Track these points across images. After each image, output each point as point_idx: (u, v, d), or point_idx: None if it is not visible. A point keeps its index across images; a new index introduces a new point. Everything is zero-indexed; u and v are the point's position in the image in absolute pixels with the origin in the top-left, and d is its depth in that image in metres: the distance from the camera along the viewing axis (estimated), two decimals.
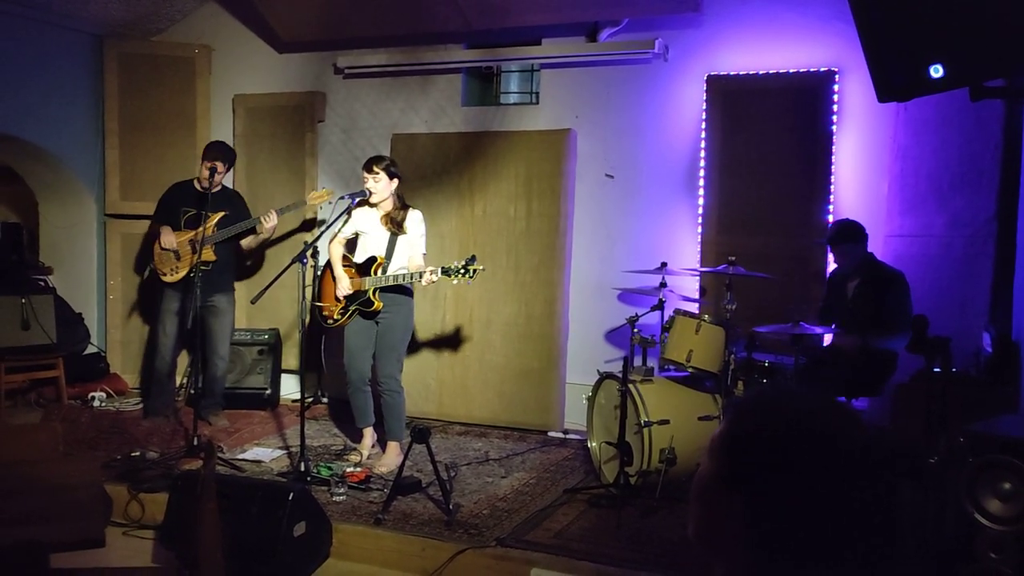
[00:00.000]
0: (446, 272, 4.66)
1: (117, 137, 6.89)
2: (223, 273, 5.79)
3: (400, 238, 4.92)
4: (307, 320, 4.80)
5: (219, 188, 5.77)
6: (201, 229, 5.32)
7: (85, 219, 7.06)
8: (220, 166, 5.63)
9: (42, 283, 6.73)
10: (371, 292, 4.85)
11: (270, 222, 5.76)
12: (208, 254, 5.60)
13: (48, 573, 2.07)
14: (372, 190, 4.84)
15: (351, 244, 5.10)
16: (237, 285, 6.19)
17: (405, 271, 4.88)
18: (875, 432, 1.08)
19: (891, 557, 1.04)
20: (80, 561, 2.79)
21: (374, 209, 4.94)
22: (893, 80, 2.48)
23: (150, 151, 6.90)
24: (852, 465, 1.04)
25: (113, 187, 6.91)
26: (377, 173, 4.84)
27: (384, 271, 4.86)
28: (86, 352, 6.89)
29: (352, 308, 4.92)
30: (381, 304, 4.85)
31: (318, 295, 5.11)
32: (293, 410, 6.31)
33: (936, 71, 2.38)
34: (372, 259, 4.90)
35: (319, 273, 5.13)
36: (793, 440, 1.06)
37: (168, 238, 5.67)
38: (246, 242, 5.94)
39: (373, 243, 4.94)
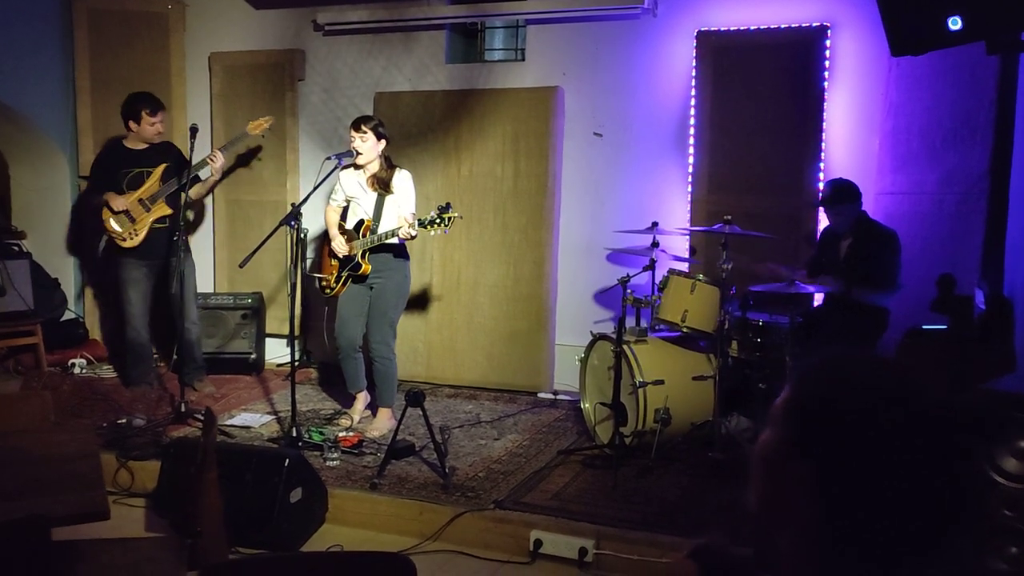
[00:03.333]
0: (422, 224, 4.56)
1: (89, 96, 6.68)
2: (180, 229, 5.58)
3: (388, 199, 4.83)
4: (297, 283, 4.70)
5: (151, 143, 5.59)
6: (148, 185, 5.17)
7: (58, 181, 6.86)
8: (162, 115, 5.53)
9: (16, 248, 6.55)
10: (359, 255, 4.77)
11: (218, 161, 5.58)
12: (163, 208, 5.46)
13: (50, 547, 2.00)
14: (359, 150, 4.73)
15: (344, 213, 5.02)
16: (220, 249, 6.06)
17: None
18: (948, 397, 1.04)
19: (965, 524, 1.00)
20: (76, 532, 2.72)
21: (360, 172, 4.84)
22: (908, 33, 2.42)
23: None
24: (926, 428, 1.00)
25: (86, 148, 6.71)
26: (365, 132, 4.73)
27: (373, 233, 4.77)
28: (64, 318, 6.74)
29: (344, 275, 4.84)
30: (369, 267, 4.78)
31: (318, 266, 5.04)
32: (279, 375, 6.25)
33: (955, 23, 2.32)
34: (360, 222, 4.81)
35: (304, 238, 4.99)
36: (865, 404, 1.02)
37: (118, 201, 5.46)
38: (195, 190, 5.68)
39: (361, 206, 4.85)
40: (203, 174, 5.68)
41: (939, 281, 3.49)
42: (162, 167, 5.55)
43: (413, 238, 4.68)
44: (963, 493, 1.01)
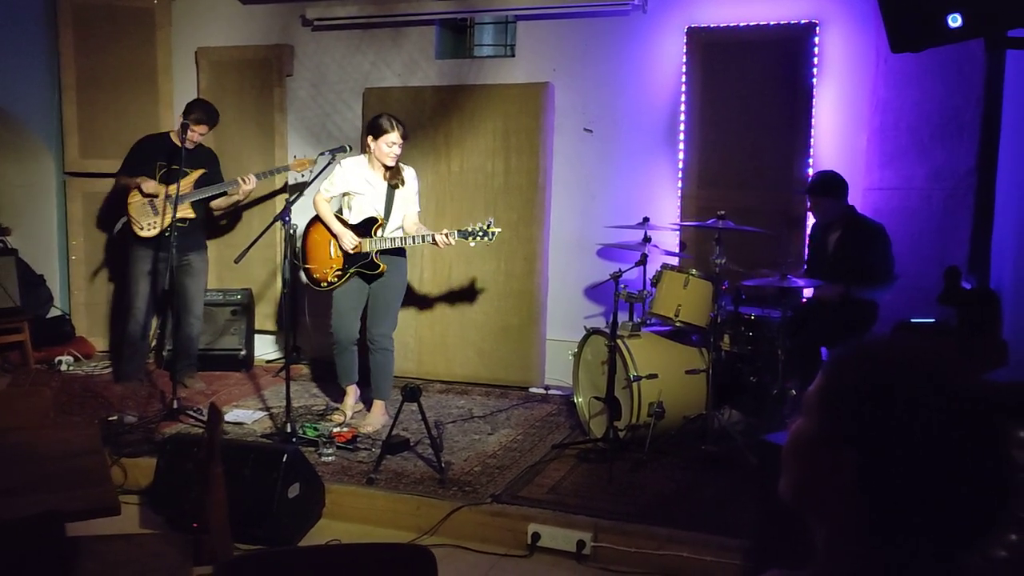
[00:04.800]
0: (464, 235, 4.58)
1: (75, 92, 6.62)
2: (196, 230, 5.64)
3: (397, 193, 4.81)
4: (287, 279, 4.69)
5: (196, 145, 5.60)
6: (177, 185, 5.14)
7: (44, 178, 6.80)
8: (206, 129, 5.53)
9: (1, 244, 6.49)
10: (374, 255, 4.74)
11: (249, 185, 5.61)
12: (187, 211, 5.46)
13: (65, 542, 2.00)
14: (398, 155, 4.73)
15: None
16: (211, 244, 6.04)
17: (401, 231, 4.80)
18: (983, 381, 1.05)
19: (1000, 510, 1.02)
20: (76, 529, 2.71)
21: (368, 167, 4.81)
22: (908, 30, 2.45)
23: (109, 107, 6.64)
24: (966, 412, 1.01)
25: (72, 144, 6.66)
26: (404, 141, 4.75)
27: (384, 231, 4.76)
28: (50, 315, 6.69)
29: (352, 270, 4.81)
30: (385, 267, 4.77)
31: (304, 257, 4.98)
32: (268, 371, 6.23)
33: (954, 20, 2.36)
34: (372, 220, 4.77)
35: (293, 234, 4.95)
36: (903, 389, 1.02)
37: (151, 184, 5.47)
38: (217, 203, 5.78)
39: (370, 202, 4.81)
40: (230, 189, 5.68)
41: (946, 273, 3.54)
42: (200, 172, 5.55)
43: (450, 244, 4.66)
44: (1007, 477, 1.02)
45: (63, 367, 6.21)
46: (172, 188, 5.20)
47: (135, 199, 5.52)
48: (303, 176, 6.12)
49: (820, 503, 1.09)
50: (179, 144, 5.50)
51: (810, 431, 1.10)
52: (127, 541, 2.64)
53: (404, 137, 4.74)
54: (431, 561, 1.66)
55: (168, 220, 5.35)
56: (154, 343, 6.30)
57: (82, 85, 6.62)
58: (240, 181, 5.59)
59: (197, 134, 5.52)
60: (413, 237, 4.72)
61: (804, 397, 1.15)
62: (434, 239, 4.61)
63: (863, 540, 1.04)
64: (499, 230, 4.65)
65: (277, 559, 1.63)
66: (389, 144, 4.69)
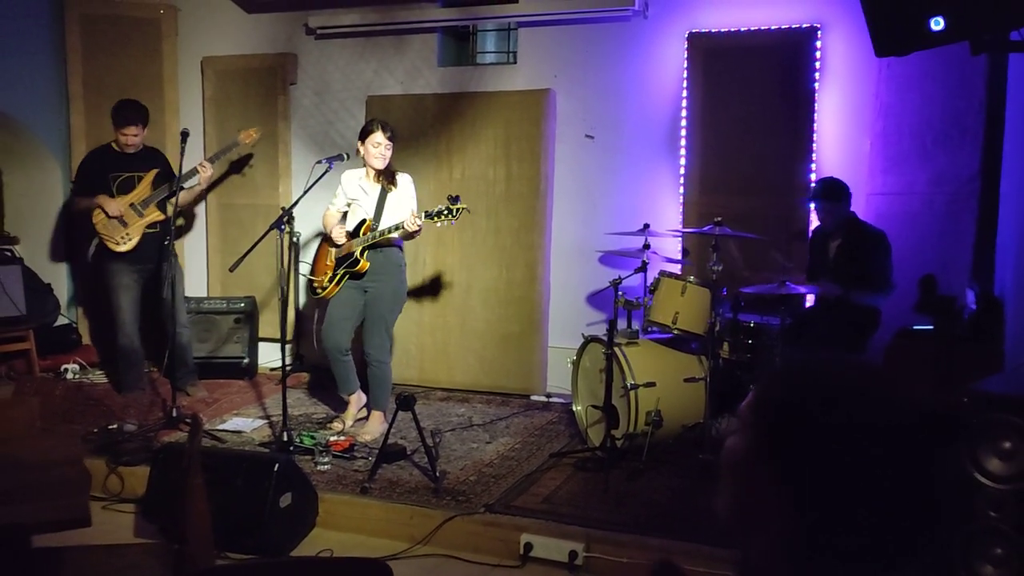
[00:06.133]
0: (429, 216, 4.56)
1: (82, 102, 6.68)
2: (167, 235, 5.50)
3: (389, 197, 4.81)
4: (287, 288, 4.70)
5: (141, 148, 5.60)
6: (140, 190, 5.17)
7: (51, 186, 6.85)
8: (141, 129, 5.51)
9: (8, 253, 6.54)
10: (358, 251, 4.75)
11: (207, 171, 5.61)
12: (155, 214, 5.47)
13: (31, 554, 1.99)
14: (386, 156, 4.74)
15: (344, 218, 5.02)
16: (213, 253, 6.06)
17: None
18: (915, 396, 1.03)
19: (934, 527, 1.00)
20: (62, 539, 2.71)
21: (363, 173, 4.84)
22: (892, 33, 2.42)
23: None
24: (897, 428, 0.99)
25: (79, 153, 6.68)
26: (391, 144, 4.75)
27: (373, 231, 4.77)
28: (57, 324, 6.73)
29: (340, 272, 4.83)
30: (367, 264, 4.76)
31: (312, 269, 5.05)
32: (272, 379, 6.24)
33: (937, 23, 2.32)
34: (361, 223, 4.81)
35: (297, 241, 5.02)
36: (833, 405, 1.00)
37: (112, 205, 5.45)
38: (182, 198, 5.54)
39: (362, 206, 4.84)
40: (190, 183, 5.67)
41: (921, 282, 3.49)
42: (153, 172, 5.55)
43: (418, 231, 4.61)
44: (938, 495, 1.00)
45: (68, 375, 6.24)
46: (132, 196, 5.21)
47: (99, 217, 5.49)
48: (254, 146, 6.20)
49: (750, 519, 1.07)
50: (121, 152, 5.52)
51: (741, 447, 1.08)
52: (107, 552, 2.63)
53: (392, 139, 4.75)
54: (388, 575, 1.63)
55: (141, 228, 5.41)
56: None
57: (89, 94, 6.67)
58: (198, 169, 5.58)
59: (131, 136, 5.46)
60: (388, 228, 4.68)
61: (738, 411, 1.13)
62: (404, 226, 4.58)
63: (795, 557, 1.02)
64: (464, 207, 4.56)
65: (235, 573, 1.62)
66: (375, 144, 4.71)
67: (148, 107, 5.78)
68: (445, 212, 4.52)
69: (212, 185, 6.34)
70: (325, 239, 5.01)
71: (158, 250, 5.41)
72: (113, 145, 5.61)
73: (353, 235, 4.82)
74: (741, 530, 1.10)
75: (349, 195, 4.88)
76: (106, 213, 5.46)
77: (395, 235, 4.68)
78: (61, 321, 6.80)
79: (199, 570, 2.20)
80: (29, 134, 6.61)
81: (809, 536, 1.00)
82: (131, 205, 5.47)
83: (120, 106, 5.54)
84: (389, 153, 4.76)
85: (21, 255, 6.62)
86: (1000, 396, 2.47)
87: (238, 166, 6.60)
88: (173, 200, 5.27)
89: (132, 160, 5.50)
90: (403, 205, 4.82)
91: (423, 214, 4.58)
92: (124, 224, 5.49)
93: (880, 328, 4.61)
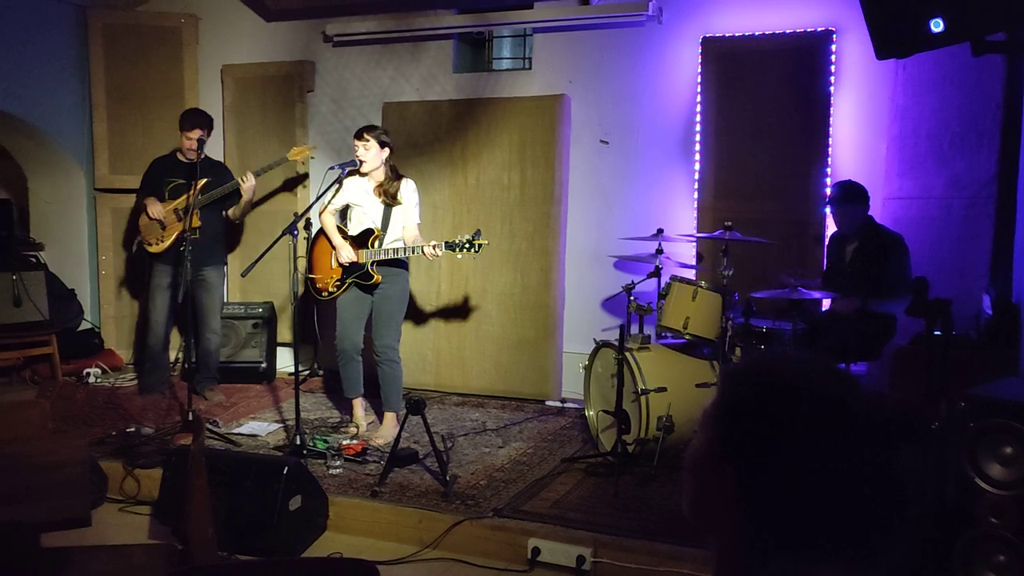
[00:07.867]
0: (451, 247, 4.62)
1: (104, 110, 6.80)
2: (212, 245, 5.72)
3: (395, 209, 4.86)
4: (300, 292, 4.74)
5: (203, 158, 5.68)
6: (186, 196, 5.26)
7: (75, 194, 6.98)
8: (204, 134, 5.55)
9: (33, 259, 6.66)
10: (369, 265, 4.79)
11: (248, 182, 5.67)
12: (194, 220, 5.54)
13: (38, 553, 2.03)
14: (362, 158, 4.78)
15: (342, 215, 5.04)
16: (232, 259, 6.14)
17: (401, 243, 4.83)
18: (875, 397, 1.02)
19: (893, 528, 0.99)
20: (72, 539, 2.76)
21: (366, 179, 4.88)
22: (892, 36, 2.40)
23: (138, 123, 6.81)
24: (850, 432, 0.98)
25: (102, 161, 6.82)
26: (367, 140, 4.77)
27: (381, 243, 4.80)
28: (80, 328, 6.84)
29: (349, 280, 4.86)
30: (380, 277, 4.81)
31: (310, 267, 5.05)
32: (289, 383, 6.27)
33: (936, 25, 2.31)
34: (369, 231, 4.83)
35: (310, 245, 5.07)
36: (788, 407, 1.00)
37: (155, 208, 5.60)
38: (232, 211, 5.80)
39: (368, 215, 4.87)
40: (232, 192, 5.76)
41: (913, 285, 3.45)
42: (203, 181, 5.62)
43: (437, 256, 4.69)
44: (891, 494, 0.99)
45: (90, 379, 6.34)
46: (177, 202, 5.31)
47: (143, 218, 5.66)
48: (303, 164, 6.22)
49: (710, 519, 1.07)
50: (184, 160, 5.62)
51: (702, 446, 1.08)
52: (112, 552, 2.67)
53: (374, 141, 4.78)
54: (374, 575, 1.65)
55: (175, 234, 5.49)
56: (179, 355, 6.40)
57: (112, 102, 6.79)
58: (240, 180, 5.66)
59: (193, 140, 5.52)
60: (405, 248, 4.75)
61: (702, 412, 1.13)
62: (422, 250, 4.64)
63: (747, 555, 1.02)
64: (486, 242, 4.67)
65: (216, 573, 1.64)
66: (354, 148, 4.82)
67: (169, 115, 5.84)
68: (466, 246, 4.59)
69: (261, 200, 6.49)
70: (319, 237, 5.00)
71: (198, 257, 5.44)
72: (177, 154, 5.73)
73: (359, 243, 4.85)
74: (704, 529, 1.10)
75: (351, 198, 4.91)
76: (147, 214, 5.59)
77: (406, 256, 4.76)
78: (84, 326, 6.90)
79: (177, 570, 2.23)
80: (53, 142, 6.73)
81: (759, 534, 1.00)
82: (175, 210, 5.59)
83: (186, 113, 5.71)
84: (371, 155, 4.78)
85: (45, 261, 6.74)
86: (1000, 401, 2.43)
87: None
88: (226, 211, 5.59)
89: (190, 168, 5.57)
90: (407, 213, 4.87)
91: (443, 244, 4.62)
92: (163, 227, 5.62)
93: (897, 334, 4.56)
